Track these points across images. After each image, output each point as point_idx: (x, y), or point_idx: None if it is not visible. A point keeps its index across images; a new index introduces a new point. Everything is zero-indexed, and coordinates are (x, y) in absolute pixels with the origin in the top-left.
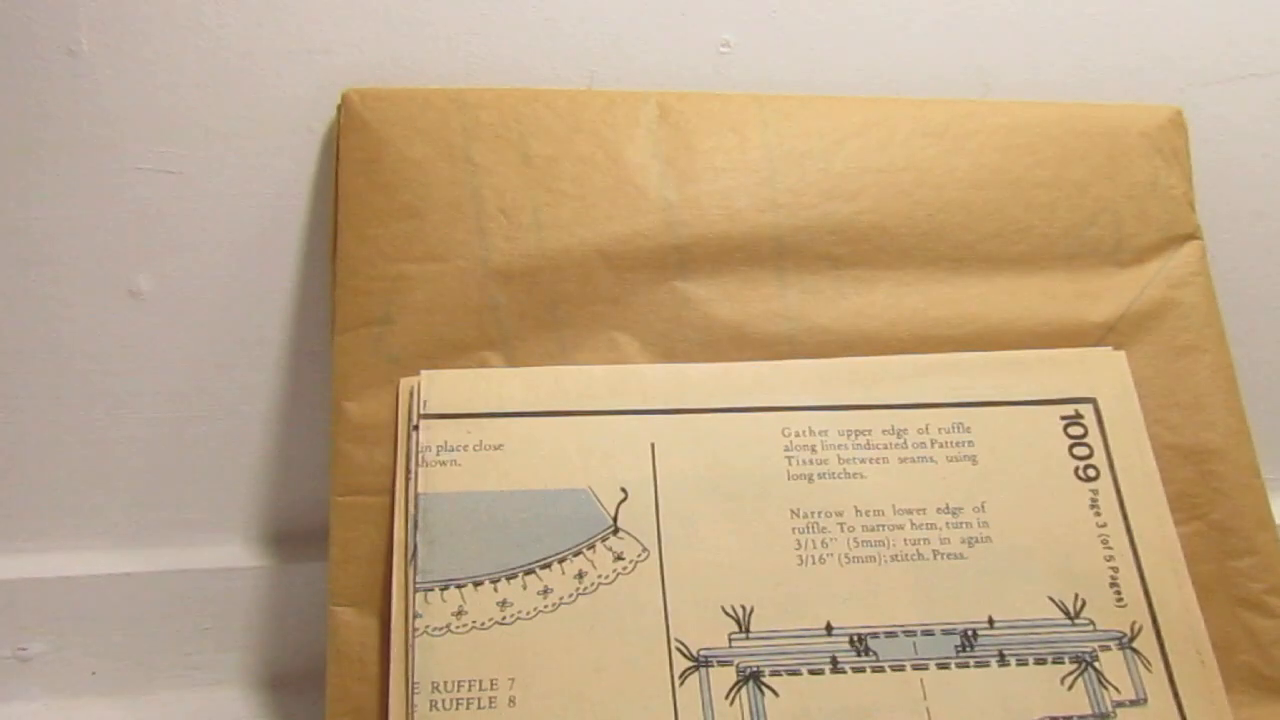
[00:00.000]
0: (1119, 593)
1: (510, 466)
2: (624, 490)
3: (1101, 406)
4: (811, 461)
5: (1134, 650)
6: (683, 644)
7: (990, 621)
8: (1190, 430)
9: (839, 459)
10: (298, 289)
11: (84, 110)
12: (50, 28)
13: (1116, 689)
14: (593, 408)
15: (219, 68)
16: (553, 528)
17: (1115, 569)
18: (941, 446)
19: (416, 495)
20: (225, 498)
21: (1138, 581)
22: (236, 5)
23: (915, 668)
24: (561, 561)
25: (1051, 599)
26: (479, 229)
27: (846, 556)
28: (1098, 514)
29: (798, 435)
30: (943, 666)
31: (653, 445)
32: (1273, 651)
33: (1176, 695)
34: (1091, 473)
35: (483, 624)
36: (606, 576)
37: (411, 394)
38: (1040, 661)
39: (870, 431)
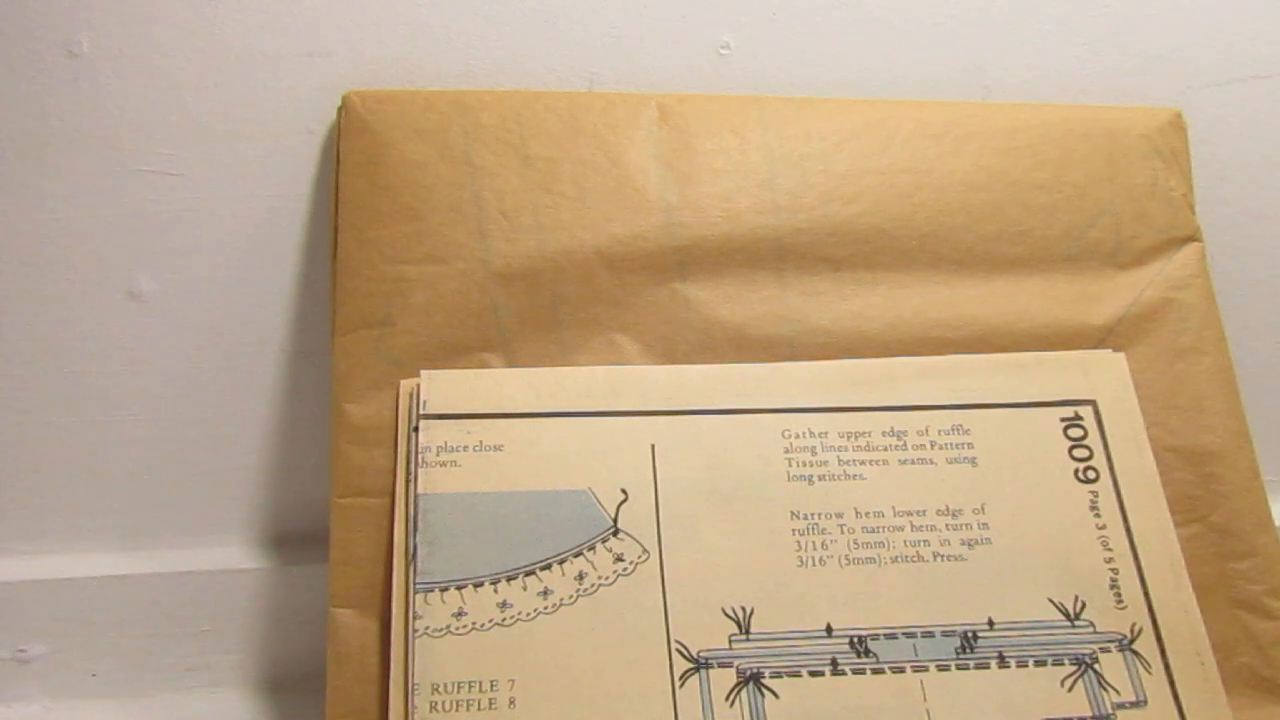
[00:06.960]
0: (1119, 594)
1: (510, 467)
2: (624, 491)
3: (1101, 408)
4: (811, 463)
5: (1134, 652)
6: (683, 645)
7: (990, 623)
8: (1190, 432)
9: (839, 461)
10: (298, 290)
11: (84, 111)
12: (50, 28)
13: (1116, 691)
14: (593, 409)
15: (219, 69)
16: (553, 529)
17: (1115, 571)
18: (941, 448)
19: (416, 496)
20: (225, 499)
21: (1138, 583)
22: (237, 7)
23: (915, 669)
24: (562, 563)
25: (1051, 601)
26: (479, 231)
27: (846, 558)
28: (1097, 516)
29: (798, 437)
30: (943, 668)
31: (653, 447)
32: (1272, 653)
33: (1176, 697)
34: (1091, 474)
35: (483, 625)
36: (607, 578)
37: (412, 395)
38: (1040, 663)
39: (870, 433)
